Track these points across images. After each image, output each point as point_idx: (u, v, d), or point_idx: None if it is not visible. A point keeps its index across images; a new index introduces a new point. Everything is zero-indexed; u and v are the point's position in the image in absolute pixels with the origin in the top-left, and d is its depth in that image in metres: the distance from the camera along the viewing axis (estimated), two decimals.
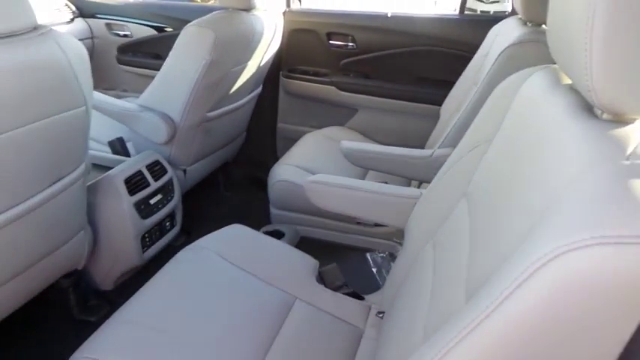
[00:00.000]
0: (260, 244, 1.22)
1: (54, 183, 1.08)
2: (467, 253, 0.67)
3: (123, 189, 1.41)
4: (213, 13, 1.58)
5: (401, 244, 1.50)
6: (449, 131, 1.33)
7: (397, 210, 1.07)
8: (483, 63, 1.63)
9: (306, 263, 1.19)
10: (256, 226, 2.04)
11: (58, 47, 0.92)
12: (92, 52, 2.47)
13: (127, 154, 1.72)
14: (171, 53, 1.52)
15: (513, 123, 0.71)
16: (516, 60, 1.23)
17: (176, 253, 1.15)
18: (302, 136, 2.00)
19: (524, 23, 1.37)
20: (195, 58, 1.48)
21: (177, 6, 2.35)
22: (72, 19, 2.35)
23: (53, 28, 0.98)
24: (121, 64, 2.43)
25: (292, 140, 2.28)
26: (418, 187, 1.52)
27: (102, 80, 2.53)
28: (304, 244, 1.58)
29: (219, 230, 1.25)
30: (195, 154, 1.79)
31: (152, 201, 1.51)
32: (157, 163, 1.58)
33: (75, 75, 0.98)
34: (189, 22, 1.51)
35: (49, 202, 1.07)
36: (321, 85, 2.14)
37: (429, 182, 1.40)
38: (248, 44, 1.64)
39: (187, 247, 1.17)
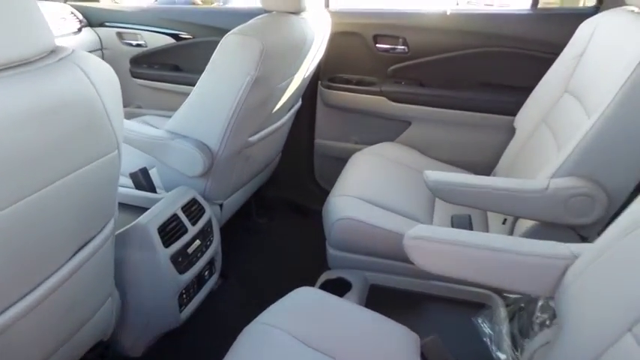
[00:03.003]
0: (342, 315, 0.95)
1: (80, 249, 0.81)
2: None
3: (157, 240, 1.13)
4: (256, 18, 1.30)
5: (503, 296, 1.22)
6: (569, 154, 1.05)
7: (541, 275, 0.79)
8: (579, 65, 1.35)
9: (405, 339, 0.92)
10: (306, 266, 1.80)
11: (84, 76, 0.65)
12: None
13: (152, 188, 1.44)
14: (207, 68, 1.25)
15: None
16: None
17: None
18: (350, 157, 1.73)
19: None
20: (239, 74, 1.20)
21: (199, 11, 2.07)
22: (79, 29, 2.08)
23: (69, 46, 0.71)
24: (135, 77, 2.16)
25: (331, 158, 2.01)
26: (513, 223, 1.24)
27: None
28: (376, 295, 1.31)
29: (285, 298, 0.98)
30: (234, 185, 1.52)
31: (190, 249, 1.24)
32: (193, 202, 1.30)
33: (106, 111, 0.71)
34: (212, 28, 1.24)
35: (74, 274, 0.80)
36: (367, 96, 1.87)
37: (538, 220, 1.14)
38: (298, 54, 1.37)
39: (250, 327, 0.90)
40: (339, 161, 1.84)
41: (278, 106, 1.46)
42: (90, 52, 2.13)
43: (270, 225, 2.04)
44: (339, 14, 1.82)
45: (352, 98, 1.89)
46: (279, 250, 1.89)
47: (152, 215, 1.16)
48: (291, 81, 1.43)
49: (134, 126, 1.36)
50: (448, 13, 1.72)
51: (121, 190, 1.40)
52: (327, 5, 1.84)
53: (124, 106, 2.23)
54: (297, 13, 1.37)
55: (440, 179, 1.12)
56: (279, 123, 1.56)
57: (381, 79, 1.87)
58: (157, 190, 1.43)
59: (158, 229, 1.15)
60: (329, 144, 2.01)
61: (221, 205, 1.49)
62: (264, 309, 0.95)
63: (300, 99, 1.79)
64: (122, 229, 1.14)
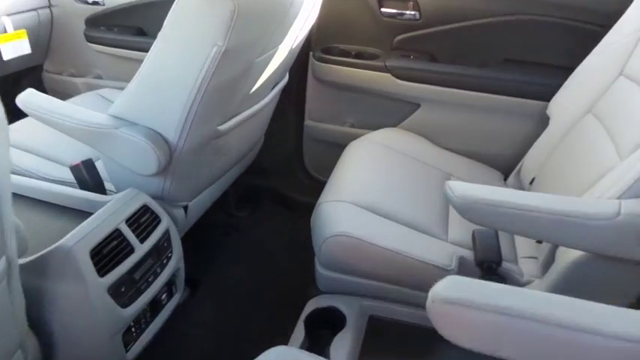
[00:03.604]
0: None
1: None
2: None
3: (88, 268, 0.85)
4: None
5: None
6: None
7: None
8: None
9: None
10: (292, 272, 1.55)
11: None
12: (51, 27, 1.84)
13: (100, 186, 1.14)
14: (160, 36, 0.93)
15: None
16: None
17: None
18: (346, 144, 1.43)
19: None
20: (202, 44, 0.89)
21: None
22: None
23: None
24: (91, 42, 1.81)
25: (323, 143, 1.72)
26: (554, 245, 0.97)
27: (66, 64, 1.91)
28: (375, 329, 1.04)
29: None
30: (202, 183, 1.22)
31: (138, 274, 0.95)
32: (144, 210, 1.01)
33: None
34: None
35: None
36: (367, 71, 1.55)
37: (598, 253, 0.87)
38: (283, 18, 1.04)
39: None
40: (333, 147, 1.56)
41: (257, 86, 1.15)
42: (33, 10, 1.79)
43: (252, 219, 1.76)
44: None
45: (350, 74, 1.57)
46: (262, 250, 1.61)
47: (82, 234, 0.87)
48: (274, 53, 1.12)
49: (66, 110, 1.04)
50: None
51: (59, 188, 1.10)
52: None
53: (81, 76, 1.91)
54: None
55: (470, 195, 0.83)
56: (258, 106, 1.26)
57: (386, 52, 1.56)
58: (107, 188, 1.14)
59: (90, 252, 0.86)
60: (321, 127, 1.71)
61: (186, 208, 1.20)
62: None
63: (287, 74, 1.47)
64: (42, 252, 0.85)
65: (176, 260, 1.08)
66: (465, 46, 1.48)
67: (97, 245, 0.88)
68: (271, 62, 1.15)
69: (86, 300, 0.85)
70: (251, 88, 1.13)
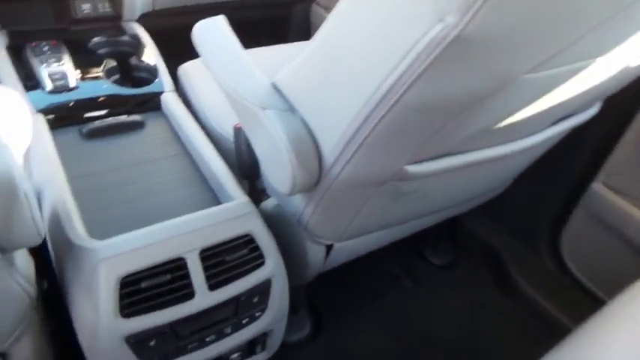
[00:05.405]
0: None
1: None
2: None
3: (109, 296, 0.56)
4: None
5: None
6: None
7: None
8: None
9: None
10: None
11: None
12: None
13: (254, 167, 0.82)
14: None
15: None
16: None
17: None
18: None
19: None
20: (417, 15, 0.41)
21: None
22: None
23: None
24: None
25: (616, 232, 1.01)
26: None
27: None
28: None
29: None
30: (363, 227, 0.79)
31: (187, 330, 0.62)
32: (245, 241, 0.65)
33: None
34: None
35: None
36: None
37: None
38: (619, 11, 0.45)
39: None
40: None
41: (515, 118, 0.60)
42: None
43: (451, 274, 1.25)
44: None
45: None
46: (427, 322, 1.12)
47: (121, 248, 0.57)
48: (578, 69, 0.53)
49: (228, 56, 0.72)
50: None
51: (209, 155, 0.84)
52: None
53: None
54: None
55: None
56: (511, 147, 0.70)
57: None
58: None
59: (122, 279, 0.56)
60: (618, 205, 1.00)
61: (330, 248, 0.80)
62: None
63: (600, 103, 0.83)
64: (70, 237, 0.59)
65: (269, 321, 0.72)
66: None
67: (137, 273, 0.57)
68: (566, 83, 0.57)
69: (94, 332, 0.57)
70: (500, 121, 0.59)
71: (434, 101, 0.47)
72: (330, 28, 0.53)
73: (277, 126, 0.61)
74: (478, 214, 1.27)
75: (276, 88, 0.66)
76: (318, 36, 0.56)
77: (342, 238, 0.78)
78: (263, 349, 0.78)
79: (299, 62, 0.61)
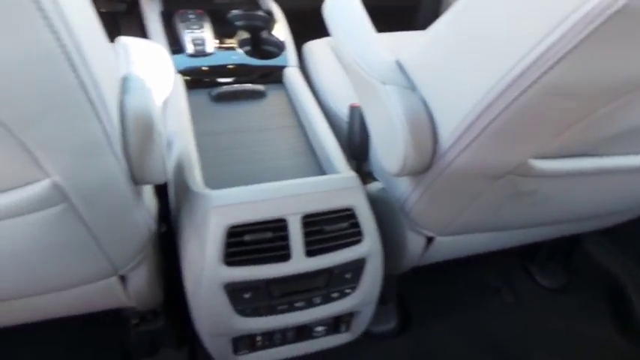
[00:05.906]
0: None
1: None
2: None
3: (215, 241, 0.59)
4: None
5: None
6: None
7: None
8: None
9: None
10: None
11: None
12: None
13: (363, 148, 0.82)
14: None
15: None
16: None
17: None
18: None
19: None
20: None
21: None
22: None
23: None
24: None
25: None
26: None
27: None
28: None
29: None
30: (470, 224, 0.74)
31: (279, 291, 0.64)
32: (347, 214, 0.65)
33: None
34: None
35: None
36: None
37: None
38: None
39: None
40: None
41: None
42: None
43: (561, 300, 1.13)
44: None
45: None
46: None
47: (229, 199, 0.60)
48: None
49: (357, 31, 0.72)
50: None
51: (320, 127, 0.86)
52: None
53: None
54: None
55: None
56: None
57: None
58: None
59: (229, 227, 0.59)
60: None
61: (430, 240, 0.77)
62: None
63: None
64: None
65: (358, 301, 0.71)
66: None
67: (243, 225, 0.60)
68: None
69: (199, 273, 0.62)
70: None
71: (581, 85, 0.42)
72: (462, 6, 0.50)
73: (396, 102, 0.59)
74: (599, 236, 1.13)
75: (399, 66, 0.65)
76: (447, 15, 0.53)
77: (445, 231, 0.74)
78: (347, 329, 0.78)
79: (425, 41, 0.59)
